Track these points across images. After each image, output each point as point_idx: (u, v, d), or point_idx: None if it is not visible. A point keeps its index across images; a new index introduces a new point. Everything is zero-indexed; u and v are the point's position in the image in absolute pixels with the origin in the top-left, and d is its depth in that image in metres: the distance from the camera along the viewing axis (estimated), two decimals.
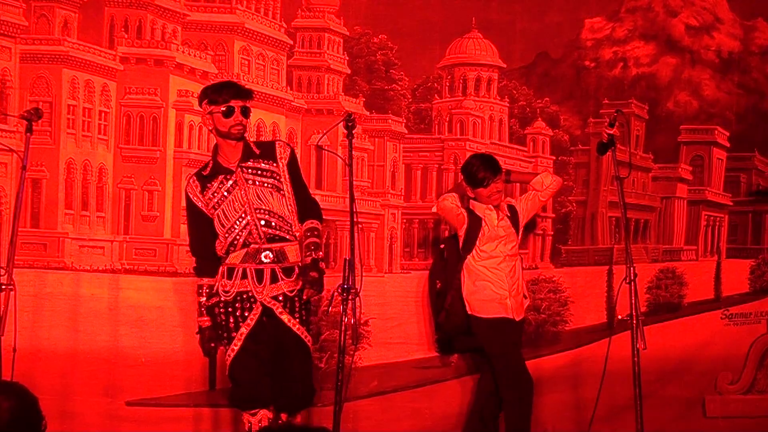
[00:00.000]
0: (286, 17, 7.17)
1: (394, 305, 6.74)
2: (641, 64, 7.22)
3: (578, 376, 6.61)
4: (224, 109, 4.86)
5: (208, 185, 4.94)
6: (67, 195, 6.66)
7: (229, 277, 4.88)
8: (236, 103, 4.88)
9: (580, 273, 7.01)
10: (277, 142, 5.09)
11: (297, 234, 4.94)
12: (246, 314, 4.85)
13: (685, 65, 7.24)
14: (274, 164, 4.92)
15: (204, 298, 4.99)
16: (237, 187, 4.86)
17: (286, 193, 4.90)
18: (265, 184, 4.88)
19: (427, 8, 7.00)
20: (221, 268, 4.94)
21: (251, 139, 5.21)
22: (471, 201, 5.78)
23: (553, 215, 7.29)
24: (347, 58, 7.17)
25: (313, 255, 4.88)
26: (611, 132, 5.31)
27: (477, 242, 5.64)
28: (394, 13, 7.02)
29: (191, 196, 4.97)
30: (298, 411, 4.99)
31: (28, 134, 4.82)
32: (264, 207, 4.87)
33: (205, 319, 4.97)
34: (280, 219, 4.88)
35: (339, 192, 6.96)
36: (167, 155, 6.85)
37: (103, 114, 6.80)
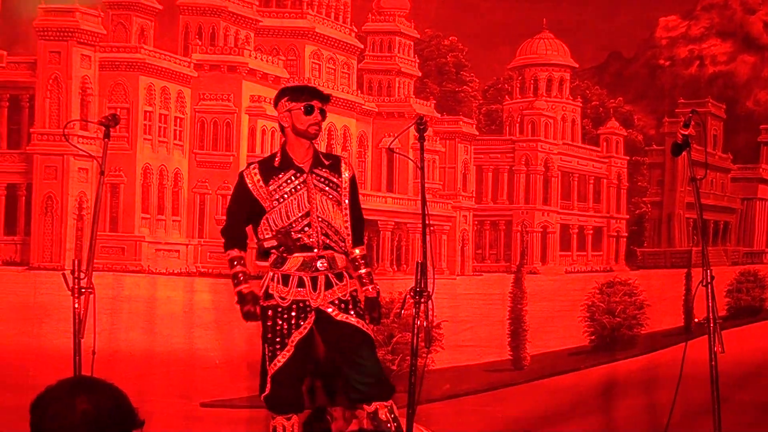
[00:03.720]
0: (357, 21, 7.21)
1: (465, 308, 6.72)
2: (718, 63, 7.08)
3: (654, 380, 6.50)
4: (305, 106, 4.89)
5: (275, 177, 4.94)
6: (144, 199, 6.80)
7: (285, 284, 4.89)
8: (316, 104, 4.91)
9: (656, 276, 6.90)
10: (342, 159, 5.11)
11: (347, 250, 4.95)
12: (300, 322, 4.87)
13: (765, 63, 7.07)
14: (339, 178, 4.94)
15: (240, 267, 5.01)
16: (304, 190, 4.88)
17: (345, 209, 4.92)
18: (330, 196, 4.90)
19: (497, 10, 6.96)
20: (275, 273, 4.95)
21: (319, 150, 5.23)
22: None
23: (627, 216, 7.20)
24: (418, 60, 7.18)
25: (375, 287, 4.96)
26: (686, 132, 5.20)
27: None
28: (464, 15, 7.00)
29: (248, 182, 4.97)
30: (372, 400, 4.99)
31: (106, 140, 4.92)
32: (325, 218, 4.90)
33: (246, 286, 4.99)
34: (336, 232, 4.91)
35: (410, 194, 6.97)
36: (240, 160, 6.95)
37: (178, 120, 6.92)
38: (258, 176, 4.92)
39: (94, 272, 4.99)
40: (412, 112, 6.98)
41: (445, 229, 7.07)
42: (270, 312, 4.93)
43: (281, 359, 4.88)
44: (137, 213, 6.78)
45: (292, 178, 4.90)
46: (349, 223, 4.95)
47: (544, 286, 6.98)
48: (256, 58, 7.04)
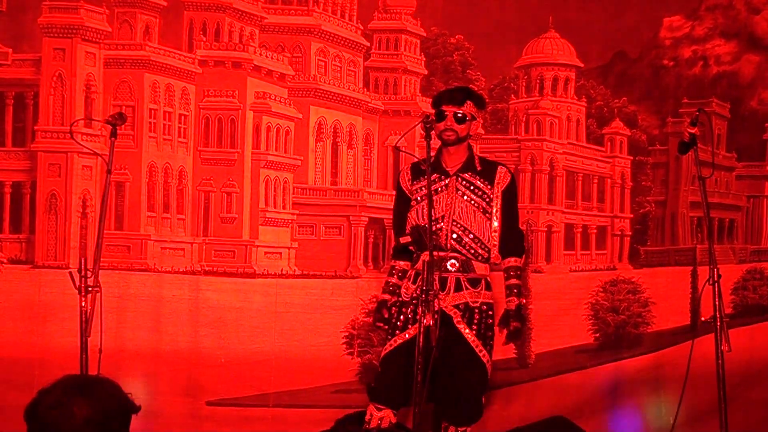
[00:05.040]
0: (363, 19, 7.21)
1: None
2: (722, 63, 7.09)
3: (660, 379, 6.51)
4: (436, 112, 4.85)
5: (420, 177, 4.94)
6: (149, 198, 6.79)
7: (414, 281, 4.86)
8: (448, 109, 4.84)
9: (660, 274, 6.90)
10: (499, 166, 4.93)
11: (495, 262, 4.86)
12: (417, 319, 4.80)
13: None
14: (490, 186, 4.83)
15: (394, 279, 4.96)
16: (445, 192, 4.84)
17: (494, 219, 4.81)
18: (473, 202, 4.82)
19: (504, 8, 6.96)
20: (410, 272, 4.91)
21: (478, 154, 5.12)
22: None
23: (631, 215, 7.20)
24: (424, 58, 7.18)
25: (516, 300, 4.84)
26: (693, 131, 5.21)
27: None
28: (471, 13, 7.00)
29: (401, 180, 5.00)
30: (462, 425, 4.94)
31: (113, 139, 4.91)
32: (462, 222, 4.84)
33: (387, 296, 4.93)
34: (476, 241, 4.81)
35: None
36: (245, 157, 6.93)
37: (182, 117, 6.91)
38: (409, 175, 4.94)
39: (100, 270, 4.99)
40: (418, 110, 6.98)
41: None
42: (394, 309, 4.86)
43: (387, 348, 4.84)
44: (143, 211, 6.77)
45: (437, 180, 4.85)
46: (498, 232, 4.83)
47: (549, 285, 6.98)
48: (261, 54, 7.03)
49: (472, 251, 4.79)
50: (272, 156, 7.00)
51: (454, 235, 4.78)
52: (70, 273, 4.73)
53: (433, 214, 4.74)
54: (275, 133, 7.05)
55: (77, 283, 4.69)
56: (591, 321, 6.80)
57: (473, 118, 4.86)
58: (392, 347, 4.79)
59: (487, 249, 4.80)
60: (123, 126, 5.17)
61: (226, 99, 6.94)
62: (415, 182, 4.91)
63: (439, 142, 4.85)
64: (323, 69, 7.18)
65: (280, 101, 7.06)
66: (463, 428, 4.89)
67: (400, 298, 4.85)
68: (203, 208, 6.88)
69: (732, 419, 4.99)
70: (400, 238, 4.90)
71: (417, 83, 7.19)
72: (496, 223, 4.78)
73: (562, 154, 7.31)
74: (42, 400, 2.64)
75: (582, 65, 7.19)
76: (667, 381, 6.37)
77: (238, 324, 6.56)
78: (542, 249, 7.22)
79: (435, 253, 4.71)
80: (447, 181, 4.83)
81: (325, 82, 7.15)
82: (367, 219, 7.01)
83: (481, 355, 4.82)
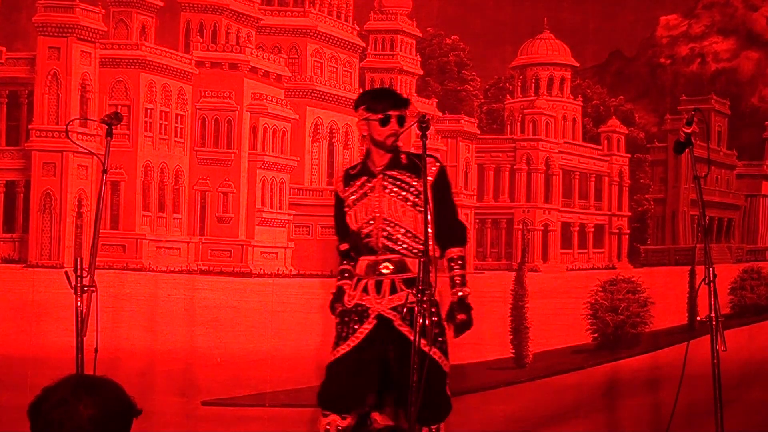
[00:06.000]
0: (359, 20, 7.20)
1: None
2: (721, 60, 7.08)
3: (658, 379, 6.49)
4: (382, 117, 4.82)
5: (352, 183, 4.93)
6: (145, 197, 6.78)
7: (354, 288, 4.86)
8: (394, 113, 4.83)
9: (659, 273, 6.89)
10: (427, 158, 4.79)
11: (435, 254, 4.84)
12: (357, 327, 4.81)
13: None
14: (417, 179, 4.83)
15: (341, 278, 4.97)
16: (374, 192, 4.84)
17: (425, 211, 4.79)
18: (401, 197, 4.81)
19: (499, 9, 6.96)
20: (354, 279, 4.92)
21: (405, 149, 5.10)
22: None
23: (629, 214, 7.19)
24: (419, 59, 7.17)
25: (459, 291, 4.80)
26: (688, 131, 5.20)
27: None
28: (466, 14, 6.99)
29: (337, 187, 5.02)
30: (429, 424, 4.92)
31: (109, 138, 4.90)
32: (392, 219, 4.83)
33: (342, 282, 4.96)
34: (409, 235, 4.79)
35: None
36: (242, 158, 6.93)
37: (179, 117, 6.90)
38: (341, 182, 4.97)
39: (95, 270, 4.97)
40: (414, 110, 6.96)
41: None
42: (338, 316, 4.89)
43: (332, 357, 4.84)
44: (138, 211, 6.76)
45: (365, 183, 4.86)
46: (432, 224, 4.80)
47: (546, 284, 6.97)
48: (257, 56, 7.02)
49: (407, 247, 4.78)
50: (269, 157, 6.99)
51: (385, 234, 4.77)
52: (66, 273, 4.74)
53: (362, 215, 4.76)
54: (272, 134, 7.05)
55: (73, 283, 4.68)
56: (589, 321, 6.79)
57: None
58: (337, 356, 4.80)
59: (421, 242, 4.76)
60: (118, 125, 5.17)
61: (223, 100, 6.93)
62: (347, 188, 4.92)
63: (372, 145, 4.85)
64: (319, 70, 7.17)
65: (276, 102, 7.06)
66: (435, 426, 4.89)
67: (344, 306, 4.85)
68: (200, 208, 6.87)
69: (733, 420, 4.98)
70: (340, 246, 4.97)
71: (412, 84, 7.19)
72: (429, 216, 4.71)
73: (558, 153, 7.30)
74: (47, 398, 2.64)
75: (577, 65, 7.18)
76: (664, 381, 6.35)
77: (234, 324, 6.55)
78: (539, 248, 7.21)
79: (370, 257, 4.74)
80: (374, 183, 4.83)
81: (321, 83, 7.15)
82: None
83: (431, 353, 4.71)
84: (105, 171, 4.95)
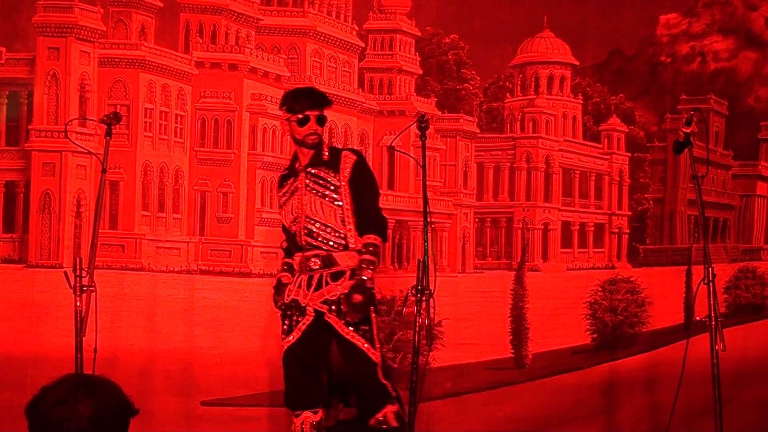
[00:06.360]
0: (358, 19, 7.20)
1: (467, 305, 6.70)
2: (720, 59, 7.07)
3: (655, 379, 6.49)
4: (301, 117, 4.87)
5: (284, 183, 5.04)
6: (144, 197, 6.79)
7: (293, 283, 4.96)
8: (312, 113, 4.88)
9: (658, 273, 6.88)
10: (344, 152, 4.99)
11: (354, 247, 4.89)
12: (298, 320, 4.90)
13: (766, 60, 7.06)
14: (335, 174, 4.89)
15: (282, 270, 5.11)
16: (298, 192, 4.92)
17: (344, 205, 4.85)
18: (319, 194, 4.89)
19: (498, 8, 6.96)
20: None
21: (327, 144, 5.16)
22: None
23: (629, 213, 7.18)
24: (418, 58, 7.17)
25: (361, 275, 4.79)
26: (687, 131, 5.19)
27: None
28: (465, 13, 6.99)
29: (278, 188, 5.13)
30: (371, 414, 4.97)
31: (108, 138, 4.90)
32: (313, 217, 4.89)
33: (282, 275, 5.05)
34: (328, 230, 4.87)
35: (411, 192, 6.95)
36: (241, 158, 6.93)
37: (179, 117, 6.90)
38: (278, 184, 5.12)
39: (95, 270, 4.98)
40: (413, 109, 6.97)
41: (446, 226, 7.05)
42: (281, 309, 5.02)
43: (285, 344, 4.93)
44: (137, 210, 6.76)
45: (293, 182, 4.94)
46: (351, 217, 4.89)
47: (546, 284, 6.97)
48: (257, 56, 7.02)
49: (328, 242, 4.85)
50: (268, 157, 7.00)
51: (306, 232, 4.83)
52: (65, 272, 4.75)
53: (289, 215, 4.85)
54: (271, 134, 7.05)
55: (72, 283, 4.69)
56: (589, 321, 6.78)
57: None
58: (286, 348, 4.93)
59: (343, 236, 4.84)
60: (118, 125, 5.18)
61: (223, 100, 6.94)
62: (280, 189, 5.06)
63: (300, 146, 4.88)
64: (318, 70, 7.17)
65: (276, 102, 7.03)
66: (381, 414, 4.92)
67: (284, 300, 4.94)
68: (199, 208, 6.87)
69: (730, 419, 4.97)
70: (282, 243, 5.13)
71: (412, 83, 7.19)
72: (347, 208, 4.82)
73: (558, 152, 7.29)
74: (45, 398, 2.64)
75: (577, 63, 7.18)
76: (662, 380, 6.35)
77: (233, 323, 6.55)
78: (539, 247, 7.21)
79: (300, 254, 4.82)
80: (298, 181, 4.89)
81: (320, 82, 7.14)
82: None
83: (356, 342, 4.82)
84: (104, 171, 4.96)
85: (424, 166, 4.94)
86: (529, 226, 7.17)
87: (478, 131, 7.17)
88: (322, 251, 4.86)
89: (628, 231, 7.12)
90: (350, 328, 4.82)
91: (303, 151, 4.95)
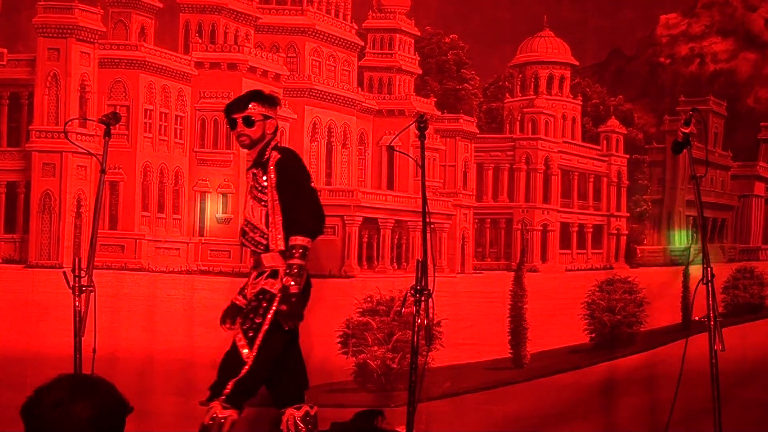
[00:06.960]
0: (357, 18, 7.21)
1: (466, 306, 6.71)
2: (719, 60, 7.08)
3: (654, 379, 6.50)
4: (228, 121, 4.98)
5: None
6: (144, 197, 6.80)
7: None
8: (238, 116, 4.93)
9: (656, 273, 6.90)
10: (272, 152, 4.93)
11: (276, 248, 4.87)
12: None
13: (766, 61, 7.07)
14: (264, 175, 4.92)
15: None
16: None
17: (268, 205, 4.85)
18: (252, 194, 4.97)
19: (498, 7, 6.96)
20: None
21: (274, 144, 5.08)
22: None
23: (628, 214, 7.19)
24: (418, 58, 7.18)
25: (283, 281, 4.78)
26: (686, 131, 5.20)
27: None
28: (465, 12, 7.00)
29: None
30: (236, 407, 5.17)
31: (107, 138, 4.91)
32: (248, 218, 4.98)
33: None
34: (255, 231, 4.91)
35: (410, 192, 6.97)
36: (240, 158, 6.93)
37: (178, 118, 6.91)
38: None
39: (94, 270, 4.99)
40: (413, 109, 6.98)
41: (445, 227, 7.06)
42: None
43: None
44: (137, 211, 6.78)
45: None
46: (276, 218, 4.86)
47: (545, 284, 6.98)
48: (256, 55, 7.03)
49: (254, 242, 4.92)
50: None
51: (242, 232, 4.98)
52: (64, 273, 4.75)
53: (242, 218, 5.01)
54: None
55: (71, 283, 4.70)
56: (587, 321, 6.80)
57: (266, 117, 4.91)
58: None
59: (266, 237, 4.87)
60: (117, 126, 5.19)
61: (222, 100, 6.92)
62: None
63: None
64: (317, 69, 7.18)
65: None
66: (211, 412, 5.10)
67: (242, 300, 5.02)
68: (199, 209, 6.88)
69: (728, 419, 4.98)
70: None
71: (411, 83, 7.20)
72: (270, 208, 4.85)
73: (558, 153, 7.31)
74: (42, 399, 2.65)
75: (577, 63, 7.19)
76: (660, 380, 6.36)
77: None
78: (538, 248, 7.22)
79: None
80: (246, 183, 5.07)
81: (319, 81, 7.15)
82: (361, 218, 7.01)
83: (237, 340, 4.92)
84: (103, 171, 4.97)
85: (423, 167, 4.96)
86: (528, 227, 7.18)
87: (478, 131, 7.18)
88: (255, 253, 4.94)
89: (626, 232, 7.13)
90: (245, 326, 4.86)
91: (252, 154, 5.00)
